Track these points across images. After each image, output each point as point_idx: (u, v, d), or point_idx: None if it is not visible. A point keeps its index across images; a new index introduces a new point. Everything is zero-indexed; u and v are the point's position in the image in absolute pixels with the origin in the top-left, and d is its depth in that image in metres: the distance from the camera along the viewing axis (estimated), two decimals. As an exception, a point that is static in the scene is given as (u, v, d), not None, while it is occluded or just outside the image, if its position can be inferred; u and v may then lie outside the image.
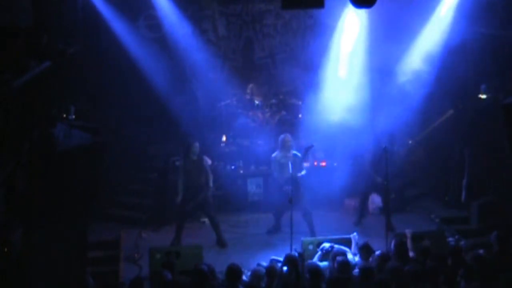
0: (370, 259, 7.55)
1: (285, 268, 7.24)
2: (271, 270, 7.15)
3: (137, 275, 8.36)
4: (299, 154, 10.37)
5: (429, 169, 12.30)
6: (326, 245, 8.27)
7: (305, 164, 10.55)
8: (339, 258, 7.25)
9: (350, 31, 12.71)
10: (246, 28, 13.77)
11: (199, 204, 10.29)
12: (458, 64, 11.44)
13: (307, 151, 10.32)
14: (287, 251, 8.67)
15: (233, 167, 11.92)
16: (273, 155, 10.56)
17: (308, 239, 9.22)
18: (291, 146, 10.33)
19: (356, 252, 8.09)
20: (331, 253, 7.76)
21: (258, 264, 8.28)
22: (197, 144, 10.33)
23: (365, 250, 7.80)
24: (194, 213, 10.58)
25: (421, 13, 12.16)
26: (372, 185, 10.89)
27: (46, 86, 8.82)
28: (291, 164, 9.88)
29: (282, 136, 10.50)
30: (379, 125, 11.68)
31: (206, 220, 10.86)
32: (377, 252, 7.64)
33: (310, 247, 8.69)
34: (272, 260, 8.26)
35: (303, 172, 10.35)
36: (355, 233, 8.55)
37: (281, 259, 7.71)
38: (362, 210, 11.07)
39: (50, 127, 8.89)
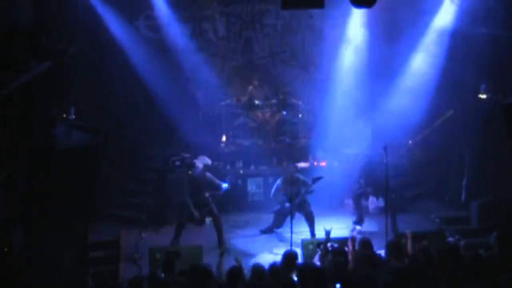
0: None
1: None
2: (272, 269, 7.14)
3: (136, 275, 8.35)
4: (307, 182, 10.44)
5: (429, 169, 12.30)
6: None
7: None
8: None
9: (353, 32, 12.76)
10: (246, 28, 13.77)
11: (206, 207, 10.31)
12: (458, 64, 11.43)
13: (315, 181, 10.33)
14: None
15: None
16: (277, 182, 10.69)
17: (308, 239, 9.23)
18: (297, 180, 10.46)
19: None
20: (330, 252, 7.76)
21: (258, 264, 8.26)
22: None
23: (364, 245, 7.80)
24: (203, 217, 10.56)
25: (423, 14, 12.16)
26: (364, 188, 10.99)
27: (46, 86, 8.83)
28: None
29: (288, 174, 10.61)
30: (378, 126, 11.75)
31: (209, 219, 10.82)
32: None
33: (310, 247, 8.69)
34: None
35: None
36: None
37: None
38: (359, 210, 11.05)
39: (50, 127, 8.91)
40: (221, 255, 7.64)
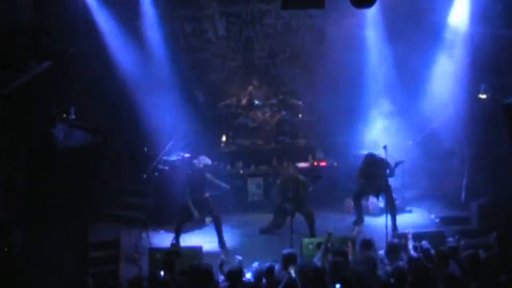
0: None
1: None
2: (271, 270, 7.15)
3: (136, 275, 8.35)
4: (307, 182, 10.47)
5: (429, 170, 12.29)
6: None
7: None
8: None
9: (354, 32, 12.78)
10: (246, 28, 13.76)
11: (206, 207, 10.34)
12: (459, 64, 11.44)
13: (314, 181, 10.35)
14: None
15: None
16: (277, 182, 10.79)
17: (308, 239, 9.23)
18: (296, 180, 10.47)
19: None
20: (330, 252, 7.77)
21: (258, 265, 8.27)
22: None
23: (364, 246, 7.81)
24: (203, 217, 10.60)
25: (425, 14, 12.15)
26: (364, 188, 10.97)
27: (46, 86, 8.83)
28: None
29: (288, 174, 10.71)
30: (378, 126, 11.75)
31: (209, 219, 10.83)
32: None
33: (310, 247, 8.70)
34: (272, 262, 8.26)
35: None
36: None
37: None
38: (359, 210, 11.05)
39: (50, 127, 8.91)
40: (223, 264, 7.63)
